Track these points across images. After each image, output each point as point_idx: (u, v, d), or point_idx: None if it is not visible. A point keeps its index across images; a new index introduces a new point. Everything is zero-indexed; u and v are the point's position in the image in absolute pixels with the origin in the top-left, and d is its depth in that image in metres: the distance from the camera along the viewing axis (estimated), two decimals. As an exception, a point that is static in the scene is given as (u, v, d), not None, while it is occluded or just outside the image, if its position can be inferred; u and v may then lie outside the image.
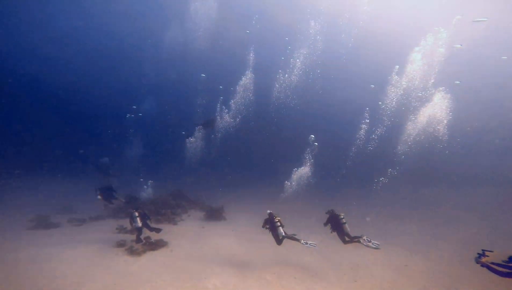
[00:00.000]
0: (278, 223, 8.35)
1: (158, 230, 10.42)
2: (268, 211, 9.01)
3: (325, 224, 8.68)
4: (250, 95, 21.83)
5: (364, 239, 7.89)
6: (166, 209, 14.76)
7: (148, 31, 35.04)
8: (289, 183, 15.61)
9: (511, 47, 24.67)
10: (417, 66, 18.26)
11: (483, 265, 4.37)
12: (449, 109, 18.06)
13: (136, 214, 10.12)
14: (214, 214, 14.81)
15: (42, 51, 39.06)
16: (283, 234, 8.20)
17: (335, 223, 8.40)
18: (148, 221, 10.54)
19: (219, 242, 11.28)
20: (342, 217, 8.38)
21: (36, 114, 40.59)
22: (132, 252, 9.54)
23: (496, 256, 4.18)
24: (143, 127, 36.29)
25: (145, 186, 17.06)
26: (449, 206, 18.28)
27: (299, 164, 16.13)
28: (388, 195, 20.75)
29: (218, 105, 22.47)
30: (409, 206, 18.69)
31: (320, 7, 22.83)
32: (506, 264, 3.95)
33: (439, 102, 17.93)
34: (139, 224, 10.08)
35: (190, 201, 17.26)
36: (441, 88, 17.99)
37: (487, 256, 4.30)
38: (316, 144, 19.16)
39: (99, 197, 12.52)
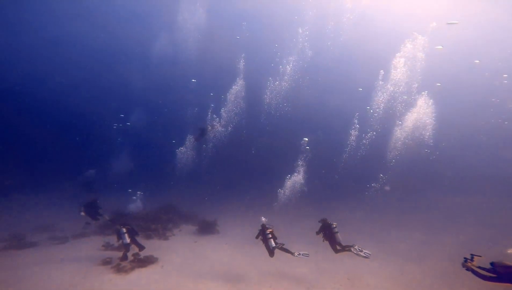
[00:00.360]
0: (270, 235, 8.29)
1: (141, 247, 9.94)
2: (262, 222, 8.91)
3: (318, 233, 8.64)
4: (242, 102, 21.75)
5: (355, 248, 7.87)
6: (157, 224, 14.23)
7: (136, 40, 34.68)
8: (282, 191, 15.45)
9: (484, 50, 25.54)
10: (400, 71, 18.70)
11: (468, 269, 4.52)
12: (433, 113, 18.53)
13: (124, 230, 9.65)
14: (207, 228, 14.38)
15: (23, 59, 37.74)
16: (273, 245, 8.16)
17: (327, 232, 8.37)
18: (136, 237, 10.08)
19: (212, 256, 10.91)
20: (334, 226, 8.34)
21: (19, 124, 38.96)
22: (119, 270, 9.04)
23: (483, 261, 4.33)
24: (132, 137, 35.53)
25: (134, 197, 16.47)
26: (441, 212, 18.54)
27: (292, 171, 16.04)
28: (380, 202, 20.86)
29: (209, 113, 22.30)
30: (402, 212, 18.83)
31: (306, 16, 23.29)
32: (490, 269, 4.12)
33: (423, 106, 18.37)
34: (127, 240, 9.61)
35: (182, 215, 16.72)
36: (424, 92, 18.44)
37: (474, 260, 4.46)
38: (308, 147, 19.14)
39: (82, 213, 11.88)
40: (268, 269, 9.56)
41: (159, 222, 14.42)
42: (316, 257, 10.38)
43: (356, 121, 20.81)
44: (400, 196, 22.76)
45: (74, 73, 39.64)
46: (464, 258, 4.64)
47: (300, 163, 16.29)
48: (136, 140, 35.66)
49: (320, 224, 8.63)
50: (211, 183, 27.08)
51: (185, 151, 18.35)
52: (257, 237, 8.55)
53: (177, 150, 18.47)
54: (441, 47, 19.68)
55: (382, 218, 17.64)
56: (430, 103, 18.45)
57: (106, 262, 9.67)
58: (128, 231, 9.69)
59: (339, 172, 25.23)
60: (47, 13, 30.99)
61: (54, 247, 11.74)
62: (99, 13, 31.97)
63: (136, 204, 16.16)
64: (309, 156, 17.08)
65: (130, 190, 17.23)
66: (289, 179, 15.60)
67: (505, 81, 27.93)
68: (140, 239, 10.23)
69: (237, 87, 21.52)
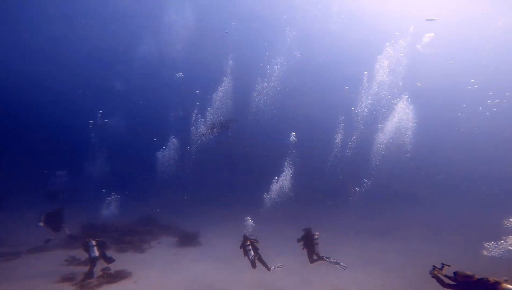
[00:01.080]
0: (249, 247, 7.88)
1: (110, 260, 8.71)
2: (247, 222, 8.94)
3: (299, 240, 8.55)
4: (229, 102, 20.89)
5: (331, 260, 8.14)
6: (133, 235, 12.87)
7: (120, 40, 32.65)
8: (268, 196, 14.72)
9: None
10: (383, 72, 18.66)
11: (433, 276, 4.78)
12: (414, 117, 18.41)
13: (94, 242, 8.42)
14: (188, 240, 13.18)
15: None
16: (251, 256, 7.80)
17: (308, 242, 8.33)
18: (106, 251, 8.82)
19: (193, 269, 9.92)
20: (316, 237, 8.29)
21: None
22: (82, 287, 7.96)
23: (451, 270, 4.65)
24: (111, 137, 33.25)
25: (108, 198, 14.72)
26: (421, 222, 18.17)
27: (278, 173, 15.34)
28: (363, 211, 20.34)
29: (194, 114, 21.22)
30: (383, 223, 18.29)
31: (295, 16, 23.06)
32: (453, 277, 4.45)
33: (404, 109, 18.24)
34: (96, 253, 8.36)
35: (162, 227, 15.26)
36: (405, 94, 18.32)
37: (442, 269, 4.73)
38: (295, 139, 18.36)
39: (41, 223, 10.29)
40: (252, 281, 8.88)
41: (135, 234, 13.07)
42: (300, 269, 9.90)
43: (341, 123, 20.45)
44: (381, 204, 22.39)
45: (56, 77, 36.70)
46: (433, 266, 4.87)
47: (287, 164, 15.63)
48: (115, 140, 33.39)
49: (303, 233, 8.55)
50: (195, 189, 25.65)
51: (167, 154, 17.13)
52: (241, 247, 8.25)
53: (158, 153, 17.20)
54: (435, 18, 19.34)
55: (365, 226, 17.23)
56: (410, 107, 18.39)
57: (68, 278, 8.41)
58: (98, 244, 8.48)
59: (324, 177, 24.84)
60: (25, 12, 28.57)
61: (5, 264, 9.93)
62: (84, 13, 29.97)
63: (110, 209, 14.57)
64: (296, 158, 16.38)
65: (104, 190, 15.48)
66: (276, 182, 14.94)
67: (471, 86, 28.45)
68: (111, 253, 8.97)
69: (224, 88, 20.72)
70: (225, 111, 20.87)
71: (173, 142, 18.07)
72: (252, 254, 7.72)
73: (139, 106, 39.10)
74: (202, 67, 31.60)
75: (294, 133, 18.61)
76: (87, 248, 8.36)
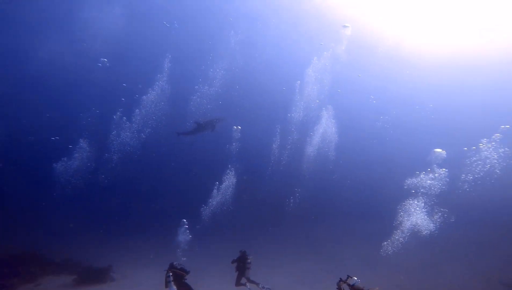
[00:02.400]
0: (171, 278, 6.66)
1: None
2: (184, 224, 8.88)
3: (233, 262, 8.36)
4: (163, 105, 18.17)
5: (260, 287, 8.12)
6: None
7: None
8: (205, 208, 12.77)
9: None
10: (311, 83, 19.26)
11: (338, 288, 5.21)
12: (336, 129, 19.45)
13: None
14: (92, 277, 9.72)
15: None
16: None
17: (241, 264, 8.18)
18: None
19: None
20: (249, 261, 8.13)
21: None
22: None
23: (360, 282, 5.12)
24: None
25: None
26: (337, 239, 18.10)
27: (218, 183, 13.63)
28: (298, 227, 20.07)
29: (116, 116, 17.50)
30: (306, 241, 17.99)
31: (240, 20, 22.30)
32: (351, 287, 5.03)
33: (328, 120, 19.00)
34: None
35: (50, 264, 10.84)
36: (329, 106, 19.33)
37: (347, 280, 5.15)
38: (239, 128, 16.98)
39: None
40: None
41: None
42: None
43: (278, 130, 20.07)
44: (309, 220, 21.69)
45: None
46: (340, 278, 5.25)
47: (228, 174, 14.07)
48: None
49: (239, 254, 8.42)
50: (109, 208, 20.71)
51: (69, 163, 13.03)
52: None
53: (56, 163, 12.90)
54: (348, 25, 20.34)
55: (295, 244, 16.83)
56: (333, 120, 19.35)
57: None
58: None
59: (264, 188, 23.92)
60: None
61: None
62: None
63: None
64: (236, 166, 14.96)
65: None
66: (216, 192, 13.26)
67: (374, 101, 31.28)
68: None
69: (157, 90, 18.03)
70: (159, 115, 18.10)
71: (83, 149, 14.03)
72: (174, 288, 6.56)
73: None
74: (133, 66, 27.31)
75: (238, 127, 17.24)
76: None
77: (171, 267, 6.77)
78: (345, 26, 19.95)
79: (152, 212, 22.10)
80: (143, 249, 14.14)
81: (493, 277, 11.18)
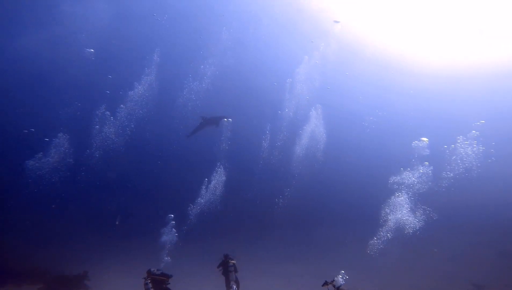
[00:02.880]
0: (149, 286, 6.36)
1: None
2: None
3: (218, 266, 8.20)
4: (148, 102, 17.34)
5: None
6: None
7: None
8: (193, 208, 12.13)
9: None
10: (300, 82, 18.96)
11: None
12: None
13: None
14: (63, 286, 8.73)
15: None
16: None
17: (224, 268, 8.04)
18: None
19: None
20: (231, 264, 7.98)
21: None
22: None
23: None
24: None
25: None
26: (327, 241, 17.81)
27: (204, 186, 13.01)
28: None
29: (99, 112, 16.45)
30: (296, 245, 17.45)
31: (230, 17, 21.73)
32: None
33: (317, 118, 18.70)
34: None
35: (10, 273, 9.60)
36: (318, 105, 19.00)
37: (332, 282, 5.36)
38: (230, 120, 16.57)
39: None
40: None
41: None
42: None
43: (267, 130, 19.60)
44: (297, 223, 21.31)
45: None
46: (325, 280, 5.45)
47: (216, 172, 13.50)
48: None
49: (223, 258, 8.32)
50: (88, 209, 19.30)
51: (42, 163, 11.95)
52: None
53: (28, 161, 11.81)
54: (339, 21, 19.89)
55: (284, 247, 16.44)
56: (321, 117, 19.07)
57: None
58: None
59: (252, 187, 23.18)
60: None
61: None
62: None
63: None
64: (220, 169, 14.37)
65: None
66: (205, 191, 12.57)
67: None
68: None
69: (142, 86, 17.25)
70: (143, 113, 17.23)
71: (61, 144, 13.03)
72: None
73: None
74: (121, 60, 26.13)
75: (229, 119, 16.69)
76: None
77: (150, 274, 6.36)
78: (336, 22, 19.50)
79: (135, 212, 20.97)
80: (125, 253, 13.18)
81: (463, 278, 11.38)
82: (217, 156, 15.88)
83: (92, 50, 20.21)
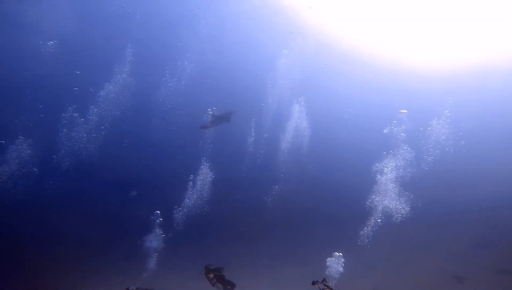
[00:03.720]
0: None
1: None
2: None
3: (207, 278, 8.02)
4: (123, 101, 16.32)
5: None
6: None
7: None
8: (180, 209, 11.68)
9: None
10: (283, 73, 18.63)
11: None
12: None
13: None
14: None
15: None
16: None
17: (217, 275, 7.93)
18: None
19: None
20: (211, 277, 7.86)
21: None
22: None
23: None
24: None
25: None
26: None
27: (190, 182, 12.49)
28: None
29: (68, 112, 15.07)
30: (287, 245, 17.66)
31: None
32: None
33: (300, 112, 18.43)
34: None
35: None
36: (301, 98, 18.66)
37: (321, 282, 5.63)
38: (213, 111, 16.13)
39: None
40: None
41: None
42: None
43: (253, 124, 19.22)
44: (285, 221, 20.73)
45: None
46: (314, 280, 5.69)
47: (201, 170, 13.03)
48: None
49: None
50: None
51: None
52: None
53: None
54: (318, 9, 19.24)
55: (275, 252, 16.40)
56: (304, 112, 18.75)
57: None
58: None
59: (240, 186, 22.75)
60: None
61: None
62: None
63: None
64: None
65: None
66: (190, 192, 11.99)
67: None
68: None
69: (115, 84, 16.22)
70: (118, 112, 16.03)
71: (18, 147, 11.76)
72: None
73: None
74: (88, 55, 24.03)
75: (213, 108, 16.18)
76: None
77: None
78: (310, 8, 18.95)
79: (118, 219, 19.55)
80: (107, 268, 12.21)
81: (446, 271, 11.46)
82: (203, 154, 15.29)
83: (52, 42, 18.26)
